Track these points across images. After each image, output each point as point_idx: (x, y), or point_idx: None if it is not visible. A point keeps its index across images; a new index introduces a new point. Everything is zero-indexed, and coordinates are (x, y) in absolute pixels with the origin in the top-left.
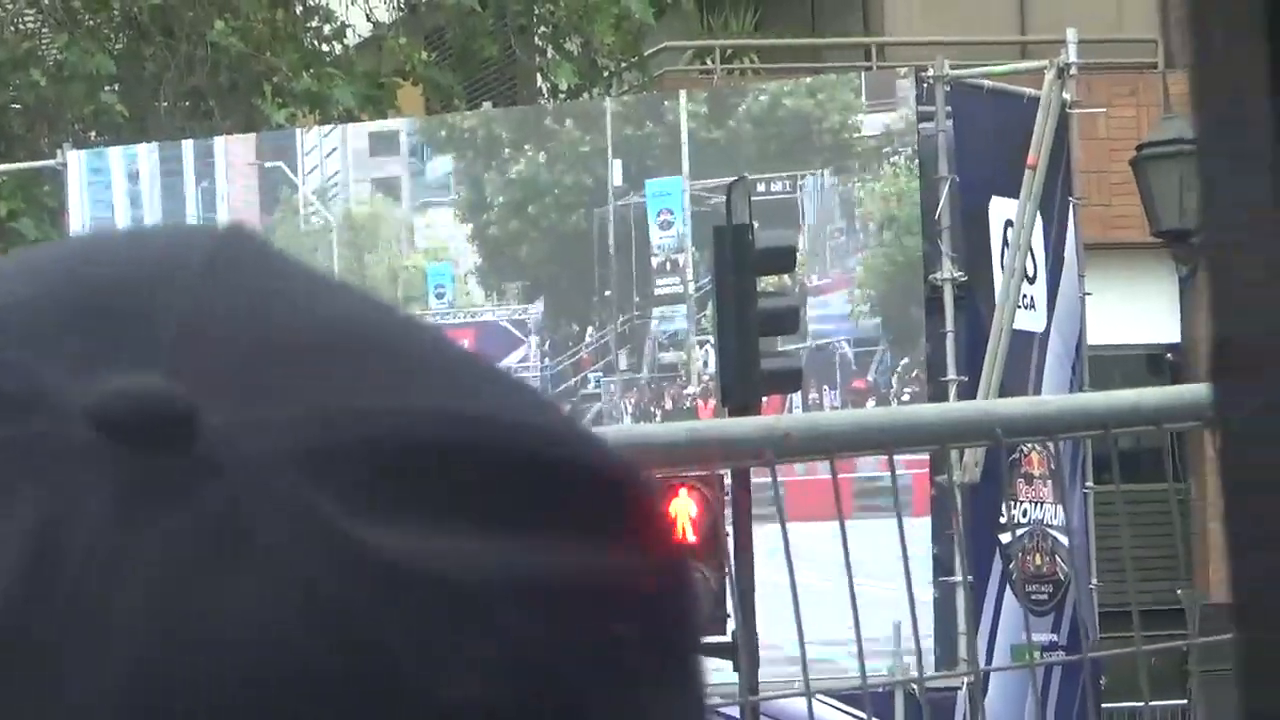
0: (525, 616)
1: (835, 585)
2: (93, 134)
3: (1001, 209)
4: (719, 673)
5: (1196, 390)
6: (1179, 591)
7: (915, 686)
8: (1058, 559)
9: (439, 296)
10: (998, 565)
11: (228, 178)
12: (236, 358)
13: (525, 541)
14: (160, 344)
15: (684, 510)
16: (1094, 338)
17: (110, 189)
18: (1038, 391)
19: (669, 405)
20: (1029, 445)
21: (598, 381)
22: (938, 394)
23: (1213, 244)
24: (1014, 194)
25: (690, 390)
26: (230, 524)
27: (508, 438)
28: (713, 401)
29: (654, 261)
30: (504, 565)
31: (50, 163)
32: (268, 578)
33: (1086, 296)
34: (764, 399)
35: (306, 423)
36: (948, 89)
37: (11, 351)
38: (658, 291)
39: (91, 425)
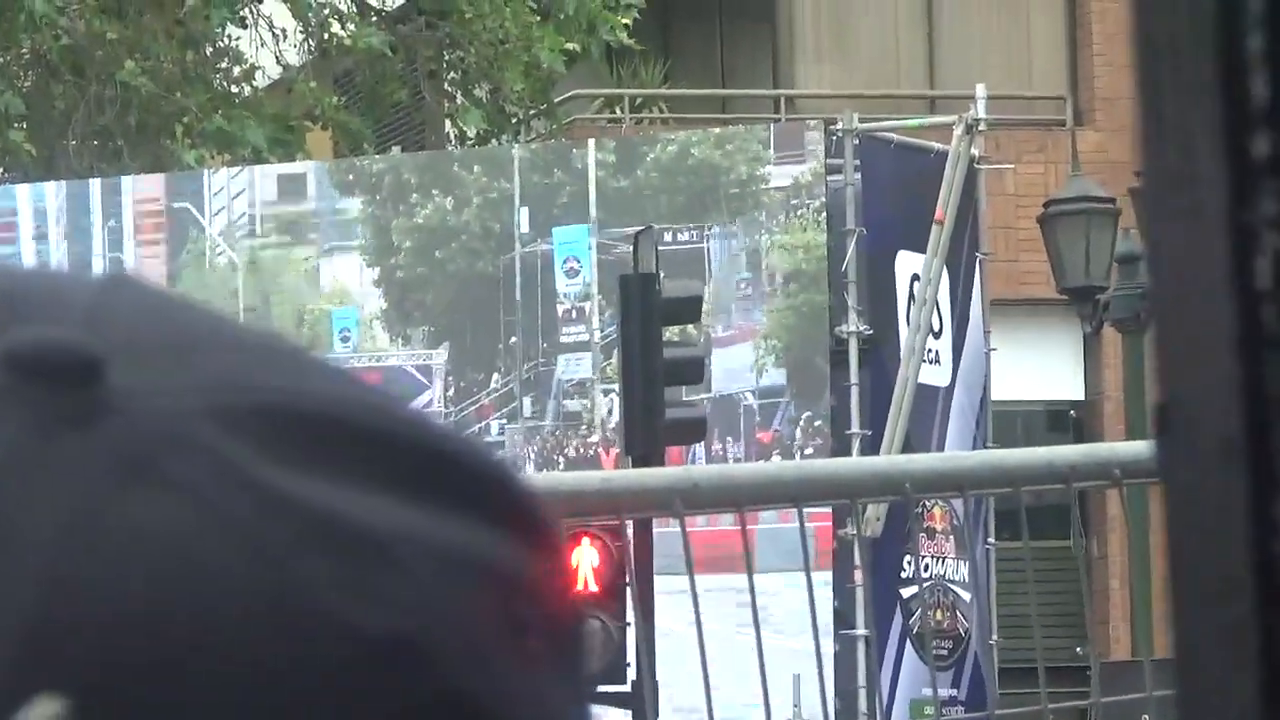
0: (434, 569)
1: (736, 637)
2: (0, 171)
3: (908, 263)
4: None
5: (1107, 449)
6: (1079, 650)
7: None
8: (959, 614)
9: (344, 340)
10: (898, 620)
11: (135, 217)
12: (139, 338)
13: (427, 509)
14: (70, 320)
15: (586, 559)
16: (998, 392)
17: (17, 227)
18: (941, 446)
19: (572, 453)
20: (932, 500)
21: (501, 428)
22: (842, 447)
23: (1161, 303)
24: (921, 248)
25: (594, 439)
26: (137, 453)
27: (403, 422)
28: (615, 450)
29: (560, 309)
30: (412, 522)
31: None
32: (181, 504)
33: (992, 352)
34: (667, 448)
35: (210, 390)
36: (856, 142)
37: None
38: (563, 339)
39: (2, 367)
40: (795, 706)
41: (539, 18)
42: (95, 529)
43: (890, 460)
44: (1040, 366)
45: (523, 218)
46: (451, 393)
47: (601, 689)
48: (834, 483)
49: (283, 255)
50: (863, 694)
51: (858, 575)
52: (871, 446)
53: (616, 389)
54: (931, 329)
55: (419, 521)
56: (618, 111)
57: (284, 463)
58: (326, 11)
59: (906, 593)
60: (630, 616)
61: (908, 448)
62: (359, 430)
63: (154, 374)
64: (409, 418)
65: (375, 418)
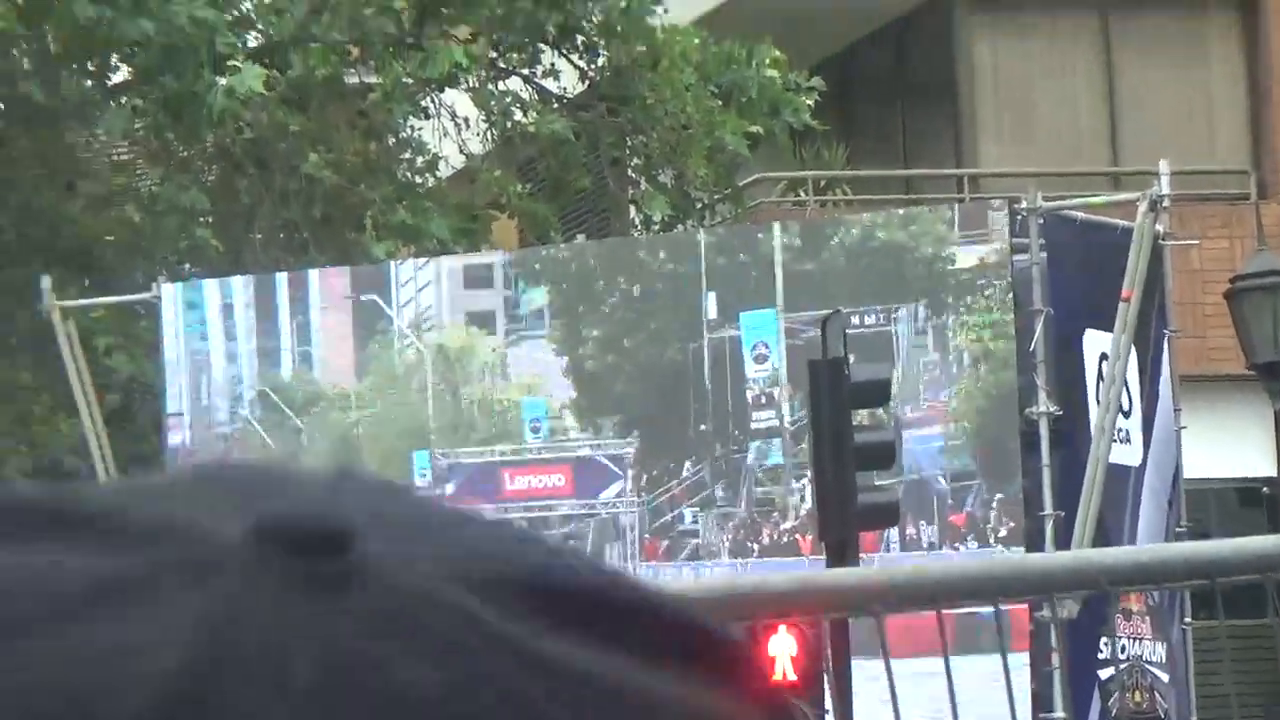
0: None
1: None
2: (187, 266)
3: (1096, 342)
4: None
5: None
6: None
7: None
8: (1157, 695)
9: (534, 431)
10: (1096, 703)
11: (322, 310)
12: (377, 514)
13: (656, 668)
14: (312, 497)
15: (784, 647)
16: (1189, 470)
17: (205, 322)
18: (1135, 527)
19: (766, 540)
20: None
21: (695, 516)
22: (1035, 529)
23: None
24: (1108, 326)
25: (787, 525)
26: (393, 610)
27: (625, 587)
28: (811, 536)
29: (749, 395)
30: (648, 681)
31: (145, 296)
32: (441, 658)
33: (1181, 430)
34: (861, 534)
35: (453, 559)
36: (1041, 221)
37: (177, 506)
38: (754, 425)
39: (254, 540)
40: None
41: (720, 102)
42: (357, 683)
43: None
44: (1231, 443)
45: (710, 303)
46: (644, 481)
47: None
48: (1029, 578)
49: (470, 346)
50: None
51: (1055, 658)
52: (1065, 528)
53: (809, 474)
54: (1121, 408)
55: (653, 680)
56: (802, 194)
57: (528, 625)
58: (509, 99)
59: (1104, 674)
60: (829, 704)
61: (1101, 529)
62: (588, 596)
63: (398, 545)
64: (629, 583)
65: (602, 585)
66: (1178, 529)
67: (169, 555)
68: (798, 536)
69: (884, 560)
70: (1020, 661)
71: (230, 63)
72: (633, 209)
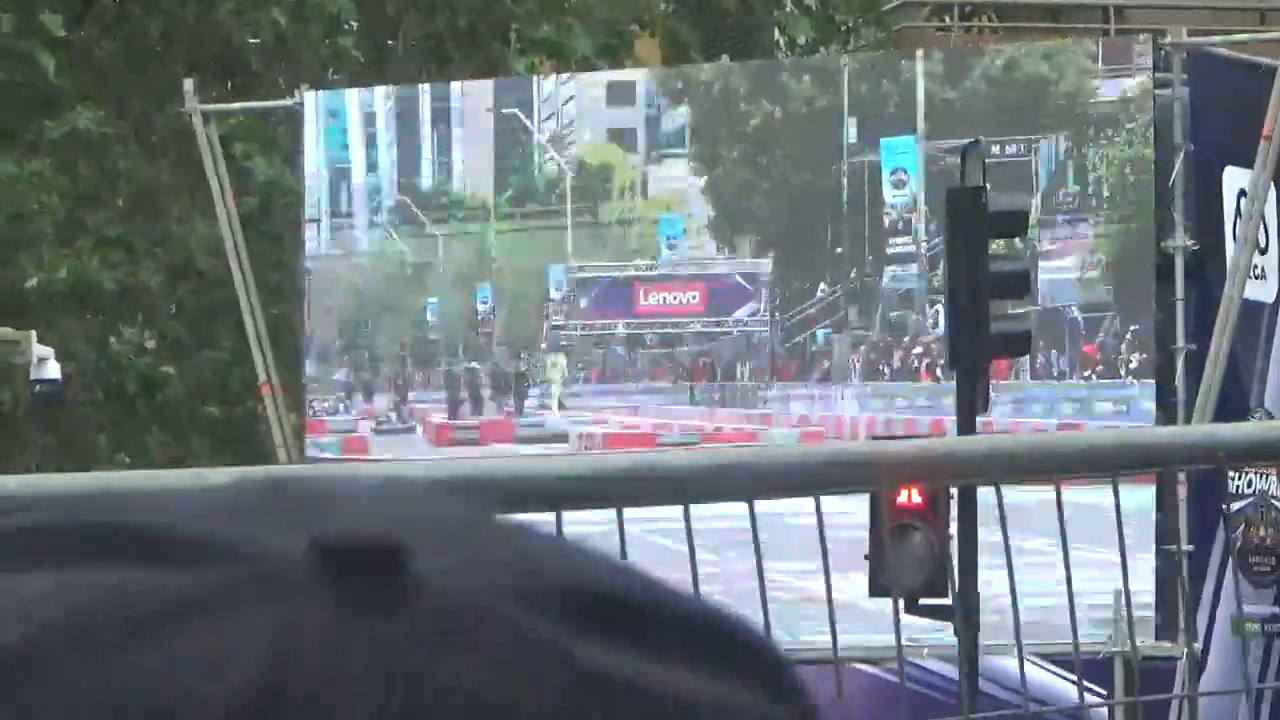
0: None
1: (1056, 549)
2: (330, 74)
3: (1235, 179)
4: (940, 633)
5: None
6: None
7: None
8: None
9: (670, 248)
10: (1221, 535)
11: (463, 124)
12: (428, 530)
13: (713, 677)
14: (365, 516)
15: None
16: None
17: (346, 130)
18: (1266, 361)
19: (896, 364)
20: (1257, 416)
21: (826, 338)
22: (1165, 362)
23: None
24: (1249, 164)
25: (918, 350)
26: (449, 626)
27: (677, 599)
28: (931, 364)
29: (886, 219)
30: (702, 688)
31: (286, 102)
32: (498, 670)
33: None
34: (993, 361)
35: (503, 573)
36: (1184, 56)
37: (241, 523)
38: (889, 250)
39: (312, 558)
40: (1115, 620)
41: None
42: (416, 696)
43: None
44: None
45: (850, 129)
46: (777, 301)
47: (924, 602)
48: (1149, 452)
49: (610, 162)
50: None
51: (1181, 490)
52: (1196, 361)
53: (942, 301)
54: (1258, 245)
55: (709, 687)
56: (946, 19)
57: (581, 635)
58: None
59: (1234, 507)
60: (953, 529)
61: (1232, 364)
62: (639, 606)
63: (449, 561)
64: (680, 595)
65: (652, 595)
66: None
67: (234, 573)
68: (923, 365)
69: (1014, 387)
70: (1144, 494)
71: None
72: (776, 31)
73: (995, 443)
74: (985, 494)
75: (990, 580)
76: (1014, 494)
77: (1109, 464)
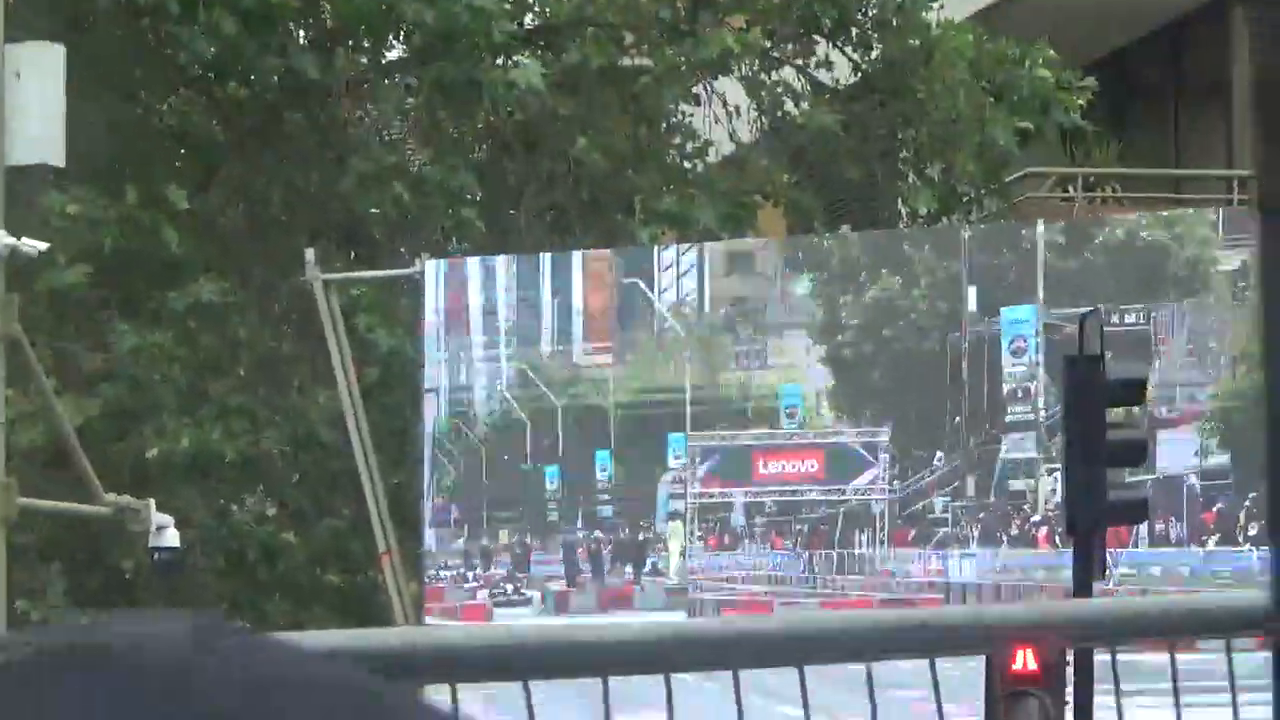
0: None
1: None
2: (451, 243)
3: None
4: None
5: None
6: None
7: None
8: None
9: (790, 416)
10: None
11: (584, 292)
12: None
13: None
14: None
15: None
16: None
17: (467, 300)
18: None
19: (1015, 532)
20: None
21: (945, 506)
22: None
23: None
24: None
25: (1036, 518)
26: None
27: None
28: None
29: (1005, 388)
30: None
31: (408, 271)
32: None
33: None
34: (1110, 527)
35: None
36: None
37: None
38: (1008, 418)
39: None
40: None
41: (992, 98)
42: None
43: None
44: None
45: (970, 297)
46: (895, 470)
47: None
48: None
49: (731, 332)
50: None
51: None
52: None
53: (1060, 469)
54: None
55: None
56: (1070, 190)
57: None
58: (780, 89)
59: None
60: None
61: None
62: None
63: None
64: None
65: None
66: None
67: None
68: (1036, 533)
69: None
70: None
71: (510, 57)
72: (899, 202)
73: (1109, 606)
74: (1101, 659)
75: None
76: (1127, 658)
77: (1221, 628)
